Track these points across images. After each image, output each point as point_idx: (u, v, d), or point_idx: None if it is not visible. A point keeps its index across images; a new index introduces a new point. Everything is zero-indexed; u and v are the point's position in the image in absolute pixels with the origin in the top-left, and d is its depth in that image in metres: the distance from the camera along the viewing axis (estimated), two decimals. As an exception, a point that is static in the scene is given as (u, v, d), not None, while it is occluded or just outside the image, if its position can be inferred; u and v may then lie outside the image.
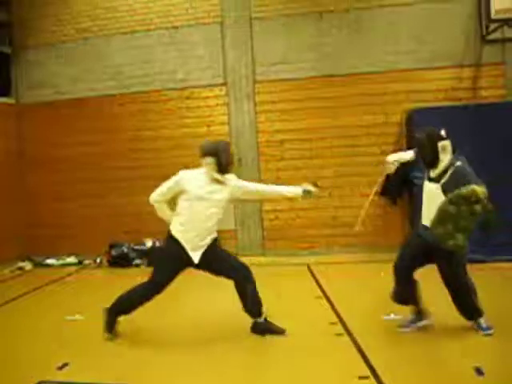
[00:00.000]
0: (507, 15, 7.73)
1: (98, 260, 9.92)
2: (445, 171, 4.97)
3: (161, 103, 10.05)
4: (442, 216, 4.83)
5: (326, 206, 9.46)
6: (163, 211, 5.39)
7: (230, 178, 5.38)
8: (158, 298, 5.46)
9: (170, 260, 5.31)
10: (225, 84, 9.76)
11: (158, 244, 9.72)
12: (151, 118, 10.07)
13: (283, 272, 8.85)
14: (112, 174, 10.09)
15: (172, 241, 5.27)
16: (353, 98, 9.36)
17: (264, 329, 5.50)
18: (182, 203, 5.22)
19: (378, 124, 9.29)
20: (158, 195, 5.32)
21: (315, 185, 5.60)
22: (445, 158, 5.00)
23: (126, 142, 10.05)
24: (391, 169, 5.55)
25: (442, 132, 5.10)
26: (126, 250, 9.71)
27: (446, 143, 5.03)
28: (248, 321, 5.62)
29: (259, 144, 9.64)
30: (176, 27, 9.93)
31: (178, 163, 9.76)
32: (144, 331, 5.83)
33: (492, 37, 9.05)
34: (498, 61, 9.17)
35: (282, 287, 7.56)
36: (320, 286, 7.75)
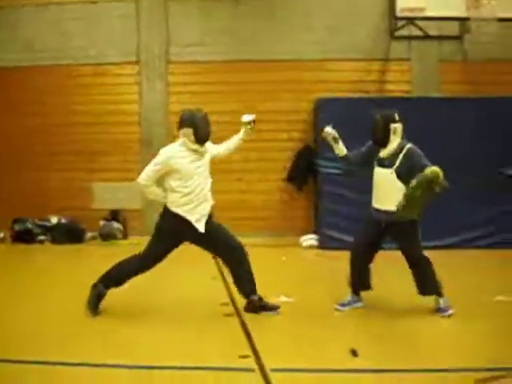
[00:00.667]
0: (411, 14, 7.97)
1: (1, 235, 9.62)
2: (396, 154, 5.28)
3: (73, 78, 9.83)
4: (409, 201, 5.10)
5: (234, 189, 9.53)
6: (154, 193, 5.37)
7: (207, 146, 5.42)
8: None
9: (168, 235, 5.31)
10: (137, 63, 9.67)
11: (63, 221, 9.54)
12: (63, 92, 9.83)
13: (187, 253, 8.82)
14: (20, 149, 9.79)
15: (172, 216, 5.25)
16: (264, 84, 9.47)
17: (257, 306, 5.49)
18: (173, 181, 5.23)
19: (287, 111, 9.45)
20: (146, 180, 5.29)
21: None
22: (394, 140, 5.30)
23: (37, 116, 9.75)
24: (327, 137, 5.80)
25: (396, 116, 5.36)
26: (30, 225, 9.48)
27: (398, 126, 5.33)
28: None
29: (169, 124, 9.58)
30: (94, 2, 9.73)
31: (89, 139, 9.72)
32: (123, 307, 5.67)
33: (400, 34, 9.33)
34: (404, 57, 9.49)
35: (182, 268, 7.56)
36: (219, 268, 7.78)
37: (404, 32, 9.36)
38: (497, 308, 5.76)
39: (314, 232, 9.21)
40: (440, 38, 9.38)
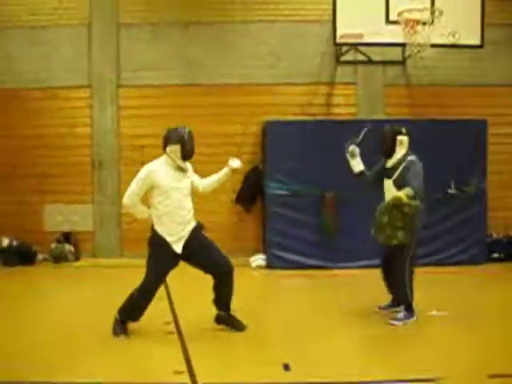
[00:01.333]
0: (350, 40, 8.22)
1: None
2: (398, 164, 5.70)
3: (24, 101, 9.91)
4: (378, 225, 5.59)
5: (183, 211, 9.62)
6: (140, 210, 5.48)
7: (188, 165, 5.53)
8: None
9: (160, 256, 5.39)
10: (89, 86, 9.79)
11: (14, 243, 9.57)
12: (15, 115, 9.91)
13: (137, 274, 8.91)
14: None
15: (157, 237, 5.35)
16: (214, 108, 9.65)
17: (227, 321, 5.64)
18: (155, 198, 5.29)
19: (236, 134, 9.62)
20: (131, 197, 5.37)
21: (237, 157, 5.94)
22: (400, 152, 5.75)
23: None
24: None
25: (403, 129, 5.83)
26: (-19, 247, 9.50)
27: (404, 138, 5.80)
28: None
29: (120, 148, 9.73)
30: (43, 26, 9.85)
31: (40, 163, 9.78)
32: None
33: (345, 59, 9.59)
34: (350, 81, 9.74)
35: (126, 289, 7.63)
36: (166, 288, 7.89)
37: (350, 57, 9.60)
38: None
39: (263, 252, 9.33)
40: (384, 62, 9.65)
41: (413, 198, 5.48)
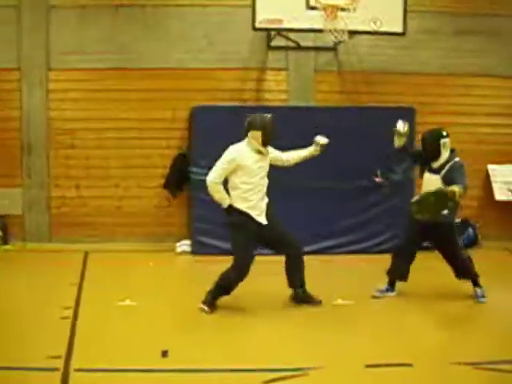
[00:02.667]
0: (270, 25, 8.15)
1: None
2: (445, 163, 6.13)
3: None
4: (423, 201, 5.93)
5: (111, 195, 9.62)
6: (221, 191, 5.83)
7: (269, 149, 5.93)
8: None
9: (243, 232, 5.79)
10: (18, 69, 9.66)
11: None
12: None
13: (62, 258, 8.94)
14: None
15: (236, 211, 5.79)
16: (144, 92, 9.56)
17: (302, 298, 6.08)
18: (237, 178, 5.75)
19: (165, 119, 9.55)
20: (216, 177, 5.79)
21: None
22: (445, 153, 6.16)
23: None
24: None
25: (444, 132, 6.24)
26: None
27: (447, 141, 6.19)
28: None
29: (50, 131, 9.64)
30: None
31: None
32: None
33: (277, 44, 9.51)
34: (281, 67, 9.68)
35: (45, 273, 7.67)
36: (82, 273, 7.92)
37: (281, 42, 9.53)
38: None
39: (189, 238, 9.31)
40: (316, 48, 9.59)
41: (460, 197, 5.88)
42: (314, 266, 8.10)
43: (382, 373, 4.45)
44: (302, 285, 6.08)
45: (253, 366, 4.47)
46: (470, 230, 9.73)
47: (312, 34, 9.38)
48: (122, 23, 9.64)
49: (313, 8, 8.06)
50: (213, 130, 8.98)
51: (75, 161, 9.64)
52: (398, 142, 6.49)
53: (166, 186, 9.44)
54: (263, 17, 8.06)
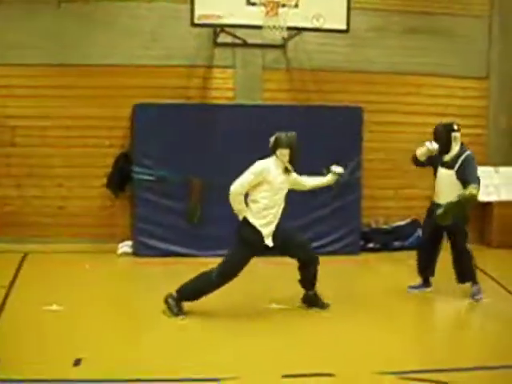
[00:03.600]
0: (209, 21, 7.96)
1: None
2: (457, 157, 6.37)
3: None
4: (447, 213, 6.15)
5: (54, 195, 9.38)
6: (241, 202, 5.75)
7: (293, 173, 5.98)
8: None
9: (248, 249, 5.77)
10: (-40, 65, 9.36)
11: None
12: None
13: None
14: None
15: (249, 226, 5.71)
16: (87, 89, 9.33)
17: (312, 301, 6.17)
18: (260, 193, 5.71)
19: (109, 117, 9.33)
20: (242, 187, 5.73)
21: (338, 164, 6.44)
22: (456, 147, 6.42)
23: None
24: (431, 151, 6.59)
25: (455, 126, 6.47)
26: None
27: (458, 134, 6.45)
28: None
29: (-7, 128, 9.37)
30: None
31: None
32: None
33: (223, 41, 9.33)
34: (228, 64, 9.50)
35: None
36: (15, 275, 7.70)
37: (228, 39, 9.35)
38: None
39: (131, 239, 9.10)
40: (263, 46, 9.40)
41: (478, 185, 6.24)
42: (259, 269, 8.01)
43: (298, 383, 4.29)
44: (312, 288, 6.18)
45: (166, 376, 4.29)
46: (420, 231, 9.58)
47: (260, 31, 9.16)
48: (65, 19, 9.38)
49: (253, 4, 7.83)
50: (155, 128, 8.81)
51: (16, 159, 9.37)
52: (424, 158, 6.69)
53: (108, 185, 9.22)
54: (202, 12, 7.83)
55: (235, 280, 5.93)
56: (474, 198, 6.10)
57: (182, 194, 8.84)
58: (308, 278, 6.09)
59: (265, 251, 5.87)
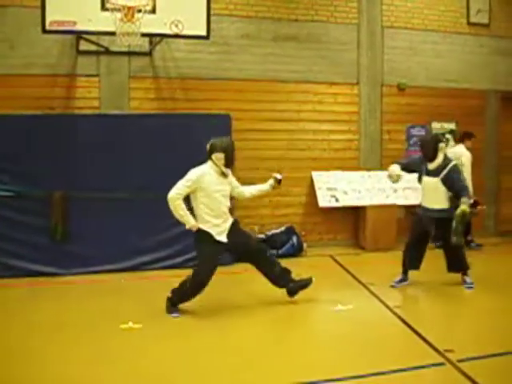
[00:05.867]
0: (61, 28, 7.58)
1: None
2: (443, 167, 6.99)
3: None
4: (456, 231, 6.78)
5: None
6: (182, 208, 6.02)
7: (229, 172, 6.32)
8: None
9: (207, 247, 6.13)
10: None
11: None
12: None
13: None
14: None
15: (202, 233, 6.11)
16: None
17: (296, 289, 6.58)
18: (199, 198, 6.09)
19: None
20: (178, 194, 6.01)
21: (278, 172, 6.91)
22: (440, 156, 7.05)
23: None
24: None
25: (441, 137, 7.29)
26: None
27: (443, 145, 7.13)
28: None
29: None
30: None
31: None
32: None
33: (88, 49, 8.96)
34: (92, 73, 9.12)
35: None
36: None
37: (93, 47, 8.97)
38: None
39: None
40: (129, 53, 9.10)
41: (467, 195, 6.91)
42: (117, 285, 7.70)
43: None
44: (288, 280, 6.56)
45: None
46: (295, 239, 9.55)
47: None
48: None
49: (108, 9, 7.51)
50: (12, 141, 8.31)
51: None
52: (395, 180, 7.46)
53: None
54: (54, 18, 7.45)
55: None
56: (464, 212, 6.66)
57: (43, 210, 8.35)
58: (279, 278, 6.53)
59: (222, 248, 6.27)
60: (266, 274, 6.53)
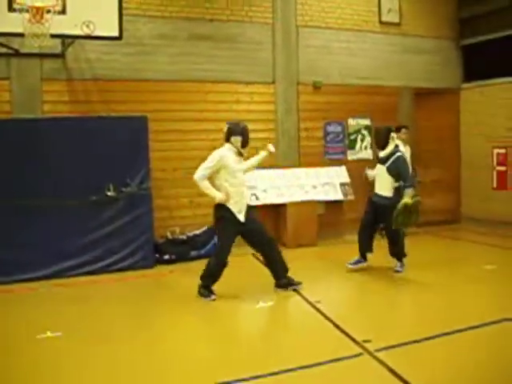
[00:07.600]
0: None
1: None
2: (390, 155, 7.53)
3: None
4: (397, 222, 7.29)
5: None
6: (207, 186, 6.64)
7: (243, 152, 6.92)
8: None
9: (229, 225, 6.68)
10: None
11: None
12: None
13: None
14: None
15: (224, 208, 6.66)
16: None
17: (286, 284, 7.08)
18: (222, 176, 6.67)
19: None
20: (201, 174, 6.62)
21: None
22: (391, 145, 7.60)
23: None
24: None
25: (393, 128, 7.95)
26: None
27: (394, 135, 7.68)
28: None
29: None
30: None
31: None
32: None
33: (-3, 51, 8.65)
34: (3, 76, 8.83)
35: None
36: None
37: (2, 49, 8.66)
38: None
39: None
40: (41, 55, 8.85)
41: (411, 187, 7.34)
42: (39, 293, 7.49)
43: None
44: (284, 274, 7.06)
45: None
46: (215, 239, 9.55)
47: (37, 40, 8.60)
48: None
49: (16, 10, 7.28)
50: None
51: None
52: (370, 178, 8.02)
53: None
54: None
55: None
56: (408, 205, 7.12)
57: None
58: (275, 265, 7.01)
59: (240, 227, 6.72)
60: (269, 264, 7.05)
